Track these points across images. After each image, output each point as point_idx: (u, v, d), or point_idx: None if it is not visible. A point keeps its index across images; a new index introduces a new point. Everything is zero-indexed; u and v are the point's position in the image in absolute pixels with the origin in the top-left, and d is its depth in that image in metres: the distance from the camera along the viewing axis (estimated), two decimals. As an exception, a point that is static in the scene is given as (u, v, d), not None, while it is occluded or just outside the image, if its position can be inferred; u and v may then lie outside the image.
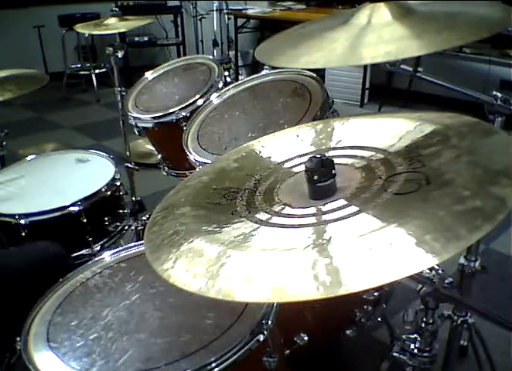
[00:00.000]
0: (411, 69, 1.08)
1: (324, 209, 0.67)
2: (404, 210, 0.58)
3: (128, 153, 2.22)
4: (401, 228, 0.55)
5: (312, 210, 0.67)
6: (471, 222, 0.52)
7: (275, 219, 0.68)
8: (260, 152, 0.91)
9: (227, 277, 0.58)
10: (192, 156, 1.48)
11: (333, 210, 0.66)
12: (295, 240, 0.61)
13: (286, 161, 0.85)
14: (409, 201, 0.60)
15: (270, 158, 0.88)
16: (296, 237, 0.62)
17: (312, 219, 0.65)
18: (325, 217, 0.65)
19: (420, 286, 0.83)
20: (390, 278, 0.50)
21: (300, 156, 0.85)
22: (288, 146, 0.90)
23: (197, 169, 1.45)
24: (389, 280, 0.50)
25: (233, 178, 0.84)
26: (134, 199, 2.16)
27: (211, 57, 2.03)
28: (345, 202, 0.66)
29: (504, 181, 0.56)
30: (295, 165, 0.83)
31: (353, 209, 0.64)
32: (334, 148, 0.83)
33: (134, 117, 1.85)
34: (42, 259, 1.31)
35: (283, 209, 0.71)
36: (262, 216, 0.70)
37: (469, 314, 1.33)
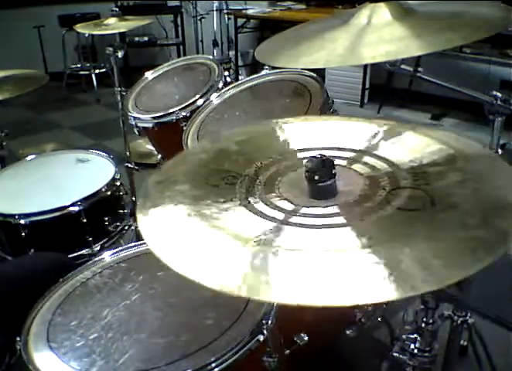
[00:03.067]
0: (411, 69, 1.08)
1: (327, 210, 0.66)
2: (408, 229, 0.58)
3: (128, 153, 2.22)
4: (405, 248, 0.54)
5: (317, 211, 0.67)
6: (473, 253, 0.52)
7: (274, 214, 0.68)
8: (262, 139, 0.90)
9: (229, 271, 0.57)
10: (192, 156, 1.47)
11: (336, 214, 0.65)
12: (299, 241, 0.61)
13: (290, 153, 0.85)
14: (413, 219, 0.60)
15: (272, 147, 0.87)
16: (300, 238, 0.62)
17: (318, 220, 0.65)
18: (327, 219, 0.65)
19: (420, 286, 0.83)
20: (387, 297, 0.50)
21: (303, 150, 0.84)
22: (292, 138, 0.89)
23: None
24: (385, 300, 0.50)
25: (233, 161, 0.83)
26: (134, 199, 2.16)
27: (211, 57, 2.04)
28: (343, 209, 0.66)
29: (508, 214, 0.56)
30: (299, 159, 0.82)
31: (355, 217, 0.64)
32: (340, 149, 0.82)
33: (134, 117, 1.85)
34: (45, 269, 1.31)
35: (283, 203, 0.70)
36: (261, 206, 0.70)
37: (469, 314, 1.33)
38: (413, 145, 0.78)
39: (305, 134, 0.90)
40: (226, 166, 0.81)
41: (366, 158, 0.78)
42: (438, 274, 0.50)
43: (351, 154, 0.81)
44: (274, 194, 0.73)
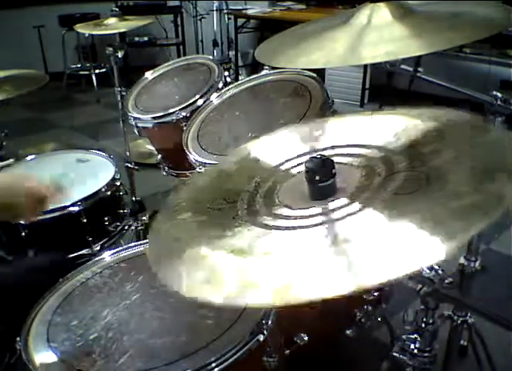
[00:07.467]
0: (411, 69, 1.08)
1: (327, 208, 0.67)
2: (403, 207, 0.59)
3: (127, 153, 2.22)
4: (402, 223, 0.56)
5: (318, 210, 0.67)
6: (469, 218, 0.53)
7: (277, 222, 0.68)
8: (258, 154, 0.91)
9: (232, 283, 0.57)
10: (192, 156, 1.48)
11: (337, 209, 0.65)
12: (305, 242, 0.61)
13: (285, 161, 0.85)
14: (409, 198, 0.61)
15: (268, 159, 0.88)
16: (306, 238, 0.62)
17: (319, 219, 0.65)
18: (330, 217, 0.65)
19: (420, 286, 0.83)
20: (398, 274, 0.50)
21: (299, 156, 0.84)
22: (286, 146, 0.89)
23: (197, 169, 1.45)
24: (396, 276, 0.50)
25: (234, 181, 0.84)
26: (134, 199, 2.16)
27: (211, 57, 2.03)
28: (347, 201, 0.66)
29: (501, 177, 0.56)
30: (295, 166, 0.83)
31: (356, 207, 0.64)
32: (332, 147, 0.83)
33: (134, 117, 1.85)
34: (45, 269, 1.31)
35: (284, 210, 0.71)
36: (265, 219, 0.70)
37: (469, 314, 1.33)
38: (405, 128, 0.77)
39: (297, 140, 0.90)
40: (227, 187, 0.81)
41: (360, 150, 0.78)
42: (436, 247, 0.51)
43: (344, 150, 0.80)
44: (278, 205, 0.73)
